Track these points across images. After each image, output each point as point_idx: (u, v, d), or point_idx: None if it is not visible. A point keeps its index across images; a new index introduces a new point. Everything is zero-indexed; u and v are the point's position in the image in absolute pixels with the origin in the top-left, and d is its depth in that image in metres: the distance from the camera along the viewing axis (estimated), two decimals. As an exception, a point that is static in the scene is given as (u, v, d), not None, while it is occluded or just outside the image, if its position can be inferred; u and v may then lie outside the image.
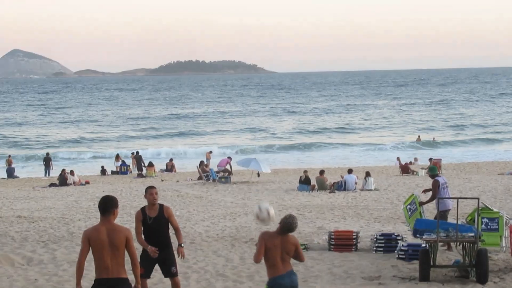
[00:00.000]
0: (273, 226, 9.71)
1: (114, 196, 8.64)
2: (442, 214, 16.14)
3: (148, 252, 10.92)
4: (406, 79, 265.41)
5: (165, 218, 11.02)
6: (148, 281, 12.35)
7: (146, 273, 11.14)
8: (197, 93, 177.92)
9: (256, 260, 9.29)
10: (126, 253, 8.55)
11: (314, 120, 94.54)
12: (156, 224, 10.99)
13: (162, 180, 39.51)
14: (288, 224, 9.31)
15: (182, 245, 11.22)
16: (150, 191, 11.03)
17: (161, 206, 11.09)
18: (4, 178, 43.77)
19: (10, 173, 44.84)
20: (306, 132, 79.58)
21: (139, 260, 10.94)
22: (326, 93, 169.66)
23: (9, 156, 49.18)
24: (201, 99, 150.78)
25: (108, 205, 8.36)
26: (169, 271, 11.16)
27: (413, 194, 16.61)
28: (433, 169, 17.05)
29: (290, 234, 9.35)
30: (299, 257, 9.41)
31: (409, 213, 16.16)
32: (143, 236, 11.09)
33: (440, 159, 42.60)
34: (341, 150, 64.05)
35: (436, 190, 16.29)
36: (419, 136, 68.07)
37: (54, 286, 13.15)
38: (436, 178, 16.50)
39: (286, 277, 9.21)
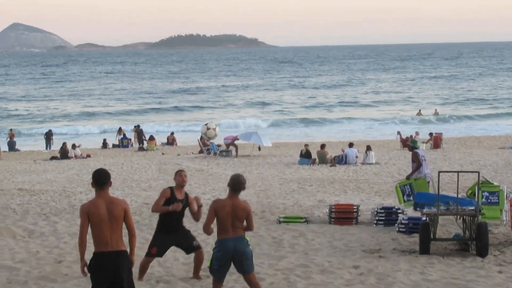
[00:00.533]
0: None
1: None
2: None
3: (171, 209, 11.05)
4: (409, 53, 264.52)
5: (186, 204, 11.31)
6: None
7: (159, 253, 11.27)
8: (202, 67, 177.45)
9: (207, 232, 9.48)
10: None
11: (319, 94, 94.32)
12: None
13: (163, 154, 39.53)
14: (236, 179, 9.40)
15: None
16: (180, 173, 11.38)
17: (186, 193, 11.41)
18: (5, 151, 43.83)
19: (12, 146, 44.90)
20: (312, 106, 79.43)
21: (154, 241, 11.06)
22: (331, 67, 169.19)
23: (11, 129, 49.23)
24: (206, 72, 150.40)
25: (105, 178, 8.37)
26: (192, 246, 11.31)
27: (397, 187, 16.81)
28: (415, 142, 18.12)
29: (242, 200, 9.43)
30: (248, 225, 9.47)
31: (411, 197, 16.22)
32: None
33: (441, 133, 42.58)
34: (346, 124, 64.04)
35: (419, 160, 17.13)
36: (419, 110, 68.01)
37: (55, 258, 13.18)
38: (415, 150, 17.43)
39: (230, 241, 9.31)
